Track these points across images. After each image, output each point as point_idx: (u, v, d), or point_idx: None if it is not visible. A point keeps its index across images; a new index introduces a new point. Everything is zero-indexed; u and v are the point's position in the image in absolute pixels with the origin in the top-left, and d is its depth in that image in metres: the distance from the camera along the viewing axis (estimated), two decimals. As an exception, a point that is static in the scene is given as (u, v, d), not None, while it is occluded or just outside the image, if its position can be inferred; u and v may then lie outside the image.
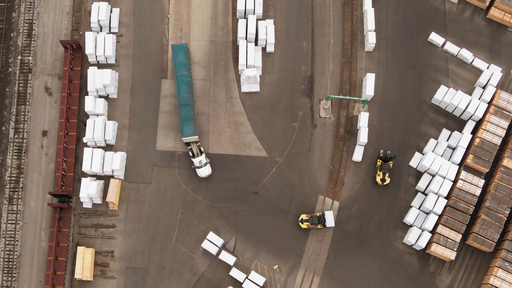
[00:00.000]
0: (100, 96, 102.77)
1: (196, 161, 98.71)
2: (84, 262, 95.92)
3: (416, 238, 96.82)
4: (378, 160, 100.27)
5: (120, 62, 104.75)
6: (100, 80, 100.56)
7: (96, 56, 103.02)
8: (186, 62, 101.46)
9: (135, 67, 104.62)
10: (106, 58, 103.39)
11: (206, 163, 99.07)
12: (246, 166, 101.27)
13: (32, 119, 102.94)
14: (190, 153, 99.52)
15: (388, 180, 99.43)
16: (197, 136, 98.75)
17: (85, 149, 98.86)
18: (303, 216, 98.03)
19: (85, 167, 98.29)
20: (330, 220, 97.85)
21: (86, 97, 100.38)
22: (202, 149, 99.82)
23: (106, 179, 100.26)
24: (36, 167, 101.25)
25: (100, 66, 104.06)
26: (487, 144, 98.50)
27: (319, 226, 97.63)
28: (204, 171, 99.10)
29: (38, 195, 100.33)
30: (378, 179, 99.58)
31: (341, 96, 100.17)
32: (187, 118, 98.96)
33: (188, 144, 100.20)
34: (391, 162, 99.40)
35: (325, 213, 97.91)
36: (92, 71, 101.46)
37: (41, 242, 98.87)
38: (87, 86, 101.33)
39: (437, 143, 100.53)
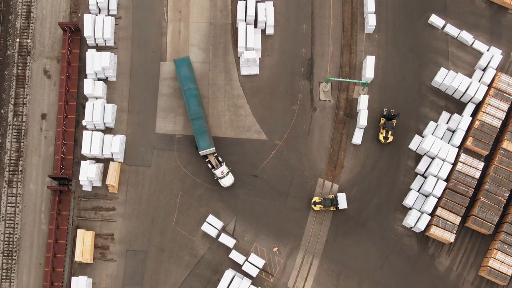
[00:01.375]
0: (99, 79, 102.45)
1: (218, 172, 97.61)
2: (84, 245, 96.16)
3: (415, 220, 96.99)
4: (382, 118, 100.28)
5: (118, 45, 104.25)
6: (99, 63, 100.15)
7: (95, 39, 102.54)
8: (190, 75, 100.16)
9: (134, 49, 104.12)
10: (105, 40, 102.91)
11: (228, 172, 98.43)
12: (246, 149, 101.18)
13: (31, 102, 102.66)
14: (209, 165, 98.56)
15: (390, 138, 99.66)
16: (213, 148, 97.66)
17: (84, 132, 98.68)
18: (316, 199, 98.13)
19: (85, 150, 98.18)
20: (342, 202, 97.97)
21: (85, 80, 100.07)
22: (220, 158, 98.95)
23: (105, 162, 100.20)
24: (35, 150, 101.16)
25: (98, 48, 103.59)
26: (487, 126, 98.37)
27: (331, 208, 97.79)
28: (228, 181, 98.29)
29: (37, 178, 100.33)
30: (381, 137, 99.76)
31: (341, 79, 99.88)
32: (201, 131, 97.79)
33: (205, 156, 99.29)
34: (395, 121, 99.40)
35: (337, 195, 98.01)
36: (90, 54, 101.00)
37: (41, 225, 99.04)
38: (86, 69, 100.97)
39: (436, 125, 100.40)
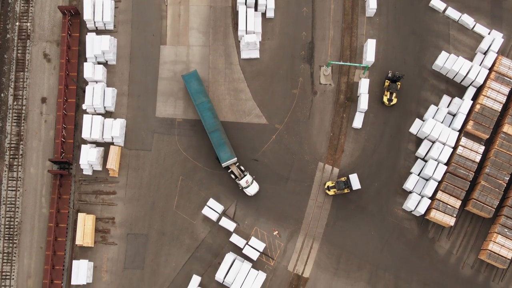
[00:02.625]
0: (99, 63, 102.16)
1: (242, 182, 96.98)
2: (85, 229, 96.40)
3: (416, 204, 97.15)
4: (386, 80, 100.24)
5: (118, 28, 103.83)
6: (98, 47, 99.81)
7: (95, 22, 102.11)
8: (201, 88, 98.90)
9: (134, 33, 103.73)
10: (105, 24, 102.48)
11: (252, 180, 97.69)
12: (246, 133, 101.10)
13: (31, 86, 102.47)
14: (233, 176, 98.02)
15: (394, 101, 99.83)
16: (235, 158, 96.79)
17: (85, 116, 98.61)
18: (329, 183, 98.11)
19: (85, 134, 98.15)
20: (355, 183, 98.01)
21: (84, 63, 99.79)
22: (242, 167, 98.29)
23: (106, 146, 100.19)
24: (35, 134, 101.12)
25: (98, 32, 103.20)
26: (487, 110, 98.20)
27: (346, 191, 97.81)
28: (253, 189, 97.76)
29: (38, 161, 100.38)
30: (385, 99, 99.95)
31: (341, 63, 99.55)
32: (220, 143, 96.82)
33: (227, 167, 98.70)
34: (399, 83, 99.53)
35: (349, 176, 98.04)
36: (90, 37, 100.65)
37: (42, 209, 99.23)
38: (86, 53, 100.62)
39: (437, 109, 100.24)
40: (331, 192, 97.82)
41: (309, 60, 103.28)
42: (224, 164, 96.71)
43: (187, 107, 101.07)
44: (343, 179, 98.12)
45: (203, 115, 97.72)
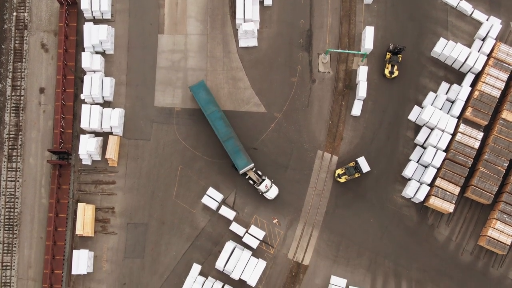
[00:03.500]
0: (96, 52, 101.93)
1: (262, 188, 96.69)
2: (84, 218, 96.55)
3: (415, 191, 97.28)
4: (387, 53, 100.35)
5: (116, 17, 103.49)
6: (96, 36, 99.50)
7: (92, 12, 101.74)
8: (210, 98, 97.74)
9: (131, 22, 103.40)
10: (102, 13, 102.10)
11: (271, 184, 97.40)
12: (245, 122, 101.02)
13: (29, 76, 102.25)
14: (251, 182, 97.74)
15: (396, 73, 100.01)
16: (252, 164, 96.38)
17: (83, 105, 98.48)
18: (339, 171, 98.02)
19: (84, 124, 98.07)
20: (364, 166, 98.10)
21: (82, 53, 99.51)
22: (259, 172, 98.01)
23: (104, 135, 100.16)
24: (34, 125, 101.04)
25: (96, 21, 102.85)
26: (486, 96, 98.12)
27: (356, 175, 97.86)
28: (273, 193, 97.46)
29: (37, 152, 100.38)
30: (386, 71, 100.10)
31: (340, 50, 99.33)
32: (235, 150, 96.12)
33: (244, 174, 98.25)
34: (400, 56, 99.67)
35: (357, 161, 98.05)
36: (88, 27, 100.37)
37: (41, 199, 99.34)
38: (84, 42, 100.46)
39: (436, 96, 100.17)
40: (343, 179, 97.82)
41: (307, 48, 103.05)
42: (241, 171, 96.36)
43: (186, 97, 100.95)
44: (351, 164, 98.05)
45: (215, 124, 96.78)
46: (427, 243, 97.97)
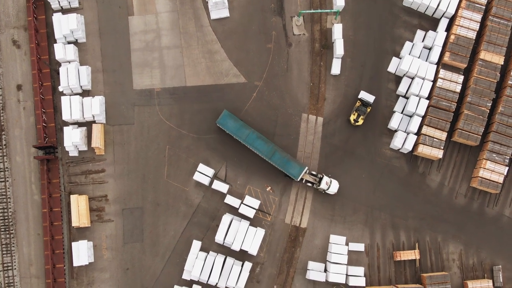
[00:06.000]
0: (69, 42, 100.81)
1: (323, 186, 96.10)
2: (79, 210, 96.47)
3: (402, 142, 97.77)
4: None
5: (83, 5, 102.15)
6: (66, 26, 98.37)
7: (59, 2, 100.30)
8: (239, 124, 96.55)
9: (100, 7, 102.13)
10: (69, 2, 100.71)
11: (330, 180, 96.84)
12: (227, 94, 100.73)
13: (4, 75, 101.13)
14: (309, 184, 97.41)
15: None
16: (306, 167, 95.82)
17: (62, 97, 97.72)
18: (353, 117, 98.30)
19: (65, 116, 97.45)
20: (369, 97, 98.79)
21: (55, 45, 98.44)
22: (313, 172, 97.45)
23: (88, 125, 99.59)
24: (16, 122, 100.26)
25: (64, 11, 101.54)
26: (462, 39, 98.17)
27: (368, 109, 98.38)
28: (334, 187, 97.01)
29: (22, 150, 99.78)
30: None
31: (312, 11, 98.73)
32: (284, 161, 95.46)
33: (301, 179, 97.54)
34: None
35: (361, 98, 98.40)
36: (57, 18, 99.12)
37: (34, 196, 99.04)
38: (55, 34, 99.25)
39: (412, 45, 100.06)
40: (361, 121, 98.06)
41: (279, 12, 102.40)
42: (298, 179, 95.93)
43: (164, 76, 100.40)
44: (358, 104, 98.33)
45: (255, 146, 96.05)
46: (421, 191, 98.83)
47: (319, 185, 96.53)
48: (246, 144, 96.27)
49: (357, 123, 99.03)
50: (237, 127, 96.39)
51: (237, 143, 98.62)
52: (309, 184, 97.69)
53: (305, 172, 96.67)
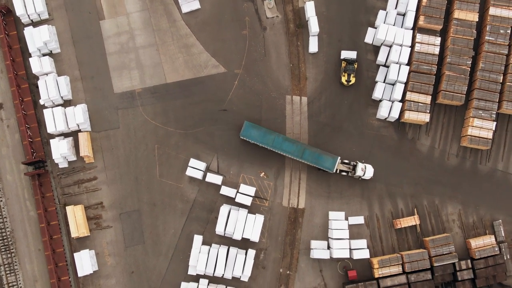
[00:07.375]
0: (43, 55, 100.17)
1: (359, 173, 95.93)
2: (76, 220, 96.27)
3: (388, 111, 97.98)
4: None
5: (53, 15, 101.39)
6: (39, 38, 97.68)
7: (29, 15, 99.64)
8: (262, 131, 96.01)
9: (70, 15, 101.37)
10: (39, 14, 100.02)
11: (365, 165, 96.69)
12: (208, 86, 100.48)
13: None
14: (344, 173, 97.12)
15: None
16: (338, 157, 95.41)
17: (45, 110, 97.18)
18: (343, 78, 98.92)
19: (50, 129, 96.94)
20: (351, 54, 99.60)
21: (30, 59, 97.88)
22: (346, 160, 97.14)
23: (74, 134, 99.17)
24: (2, 141, 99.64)
25: (35, 24, 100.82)
26: (435, 1, 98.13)
27: (355, 65, 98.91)
28: (370, 172, 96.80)
29: (12, 168, 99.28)
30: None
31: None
32: (316, 157, 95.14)
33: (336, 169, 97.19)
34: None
35: (345, 58, 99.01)
36: (29, 32, 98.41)
37: (29, 212, 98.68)
38: (28, 48, 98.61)
39: (386, 13, 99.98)
40: (353, 79, 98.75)
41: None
42: (333, 170, 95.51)
43: (143, 76, 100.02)
44: (344, 64, 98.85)
45: (283, 149, 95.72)
46: (412, 156, 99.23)
47: (354, 173, 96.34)
48: (274, 149, 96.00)
49: (350, 83, 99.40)
50: (261, 135, 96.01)
51: (224, 133, 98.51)
52: (344, 173, 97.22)
53: (339, 162, 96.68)
